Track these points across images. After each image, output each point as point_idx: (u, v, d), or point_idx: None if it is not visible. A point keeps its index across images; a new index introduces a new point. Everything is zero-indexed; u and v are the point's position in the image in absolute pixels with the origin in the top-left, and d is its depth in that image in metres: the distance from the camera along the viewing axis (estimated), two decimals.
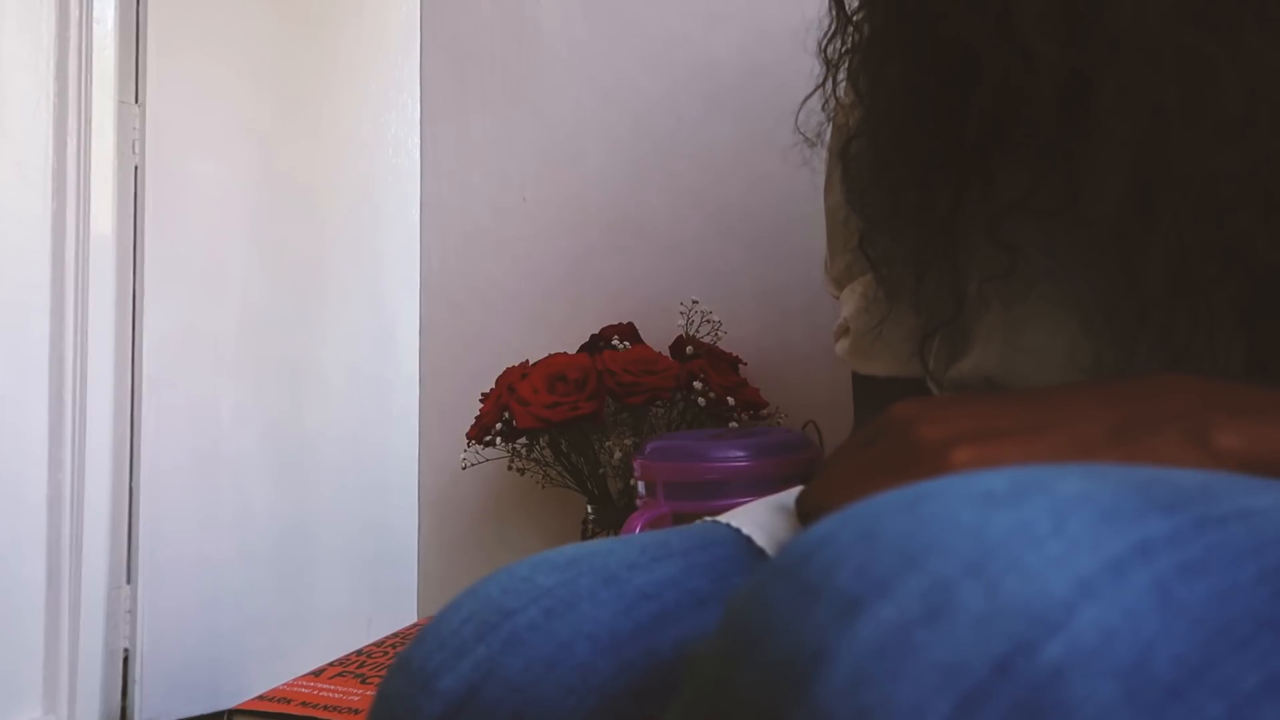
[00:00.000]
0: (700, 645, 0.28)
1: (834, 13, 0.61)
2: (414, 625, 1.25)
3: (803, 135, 0.70)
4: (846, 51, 0.61)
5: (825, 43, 0.63)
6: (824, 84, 0.64)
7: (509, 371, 1.17)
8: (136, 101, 1.19)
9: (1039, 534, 0.25)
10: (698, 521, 0.55)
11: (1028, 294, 0.52)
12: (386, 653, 1.10)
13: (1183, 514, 0.27)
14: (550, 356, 1.15)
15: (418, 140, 1.47)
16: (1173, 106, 0.43)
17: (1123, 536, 0.25)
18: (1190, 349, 0.45)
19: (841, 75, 0.63)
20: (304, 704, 0.97)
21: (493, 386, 1.18)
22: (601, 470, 1.14)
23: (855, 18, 0.60)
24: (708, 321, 1.18)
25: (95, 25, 1.14)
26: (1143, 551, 0.25)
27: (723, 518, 0.54)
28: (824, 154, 0.74)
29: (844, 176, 0.63)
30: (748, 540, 0.51)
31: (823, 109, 0.67)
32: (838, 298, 0.76)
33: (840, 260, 0.73)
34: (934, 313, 0.57)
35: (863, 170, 0.60)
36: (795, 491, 0.53)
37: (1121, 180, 0.46)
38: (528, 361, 1.17)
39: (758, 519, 0.52)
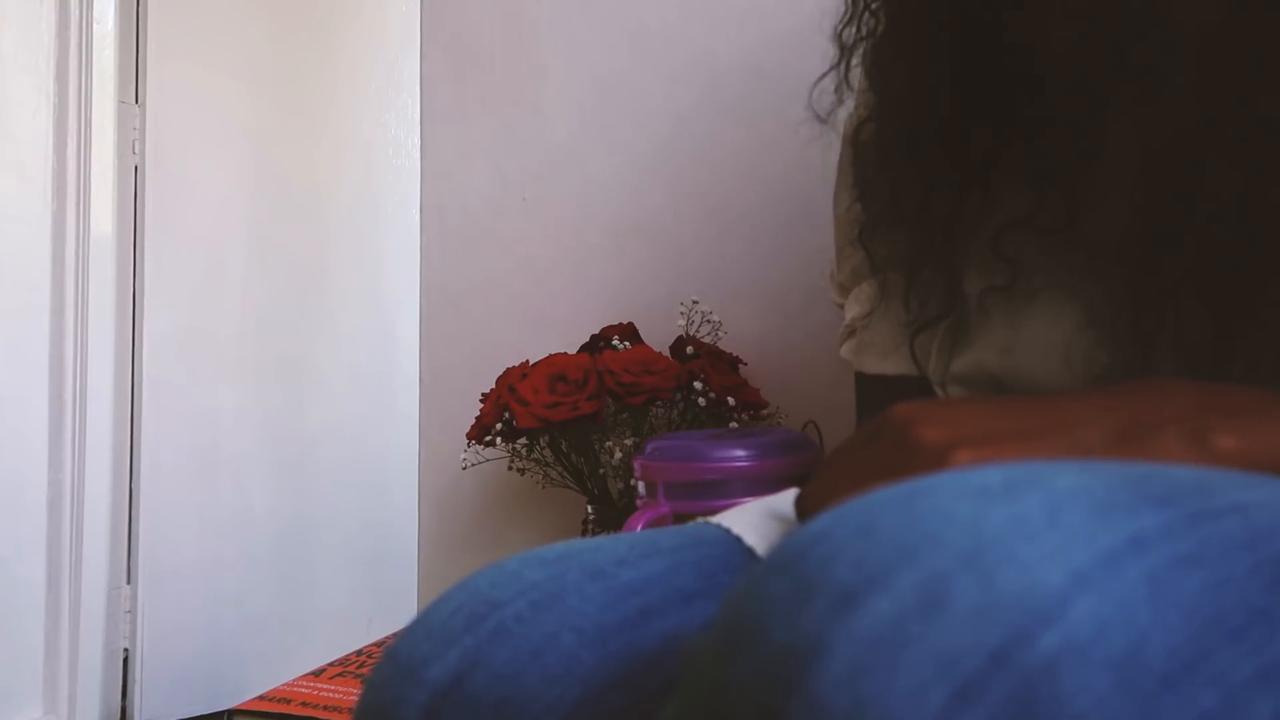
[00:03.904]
0: (698, 638, 0.29)
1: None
2: None
3: (815, 114, 0.70)
4: (861, 38, 0.62)
5: (841, 28, 0.63)
6: (838, 66, 0.64)
7: (509, 371, 1.17)
8: (136, 102, 1.19)
9: (1034, 527, 0.25)
10: (689, 523, 0.55)
11: (1029, 304, 0.53)
12: None
13: (1177, 508, 0.27)
14: (551, 356, 1.15)
15: (418, 140, 1.47)
16: (1190, 129, 0.44)
17: (1117, 530, 0.26)
18: (1199, 346, 0.45)
19: (855, 60, 0.64)
20: (304, 704, 0.97)
21: (493, 386, 1.18)
22: (602, 470, 1.14)
23: (872, 5, 0.61)
24: (708, 321, 1.18)
25: (95, 25, 1.14)
26: (1136, 544, 0.25)
27: (713, 519, 0.54)
28: (834, 158, 0.74)
29: (854, 162, 0.63)
30: (737, 540, 0.51)
31: (835, 91, 0.67)
32: (841, 306, 0.76)
33: (846, 265, 0.74)
34: (925, 310, 0.58)
35: (868, 164, 0.61)
36: (787, 495, 0.53)
37: (1126, 204, 0.46)
38: (528, 361, 1.17)
39: (748, 520, 0.53)
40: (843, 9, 0.63)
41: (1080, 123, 0.50)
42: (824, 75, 0.66)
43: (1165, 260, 0.46)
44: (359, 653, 1.12)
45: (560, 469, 1.17)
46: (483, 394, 1.19)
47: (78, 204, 1.13)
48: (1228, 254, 0.44)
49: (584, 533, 1.16)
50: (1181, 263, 0.46)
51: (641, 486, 0.94)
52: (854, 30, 0.62)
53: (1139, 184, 0.47)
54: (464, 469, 1.22)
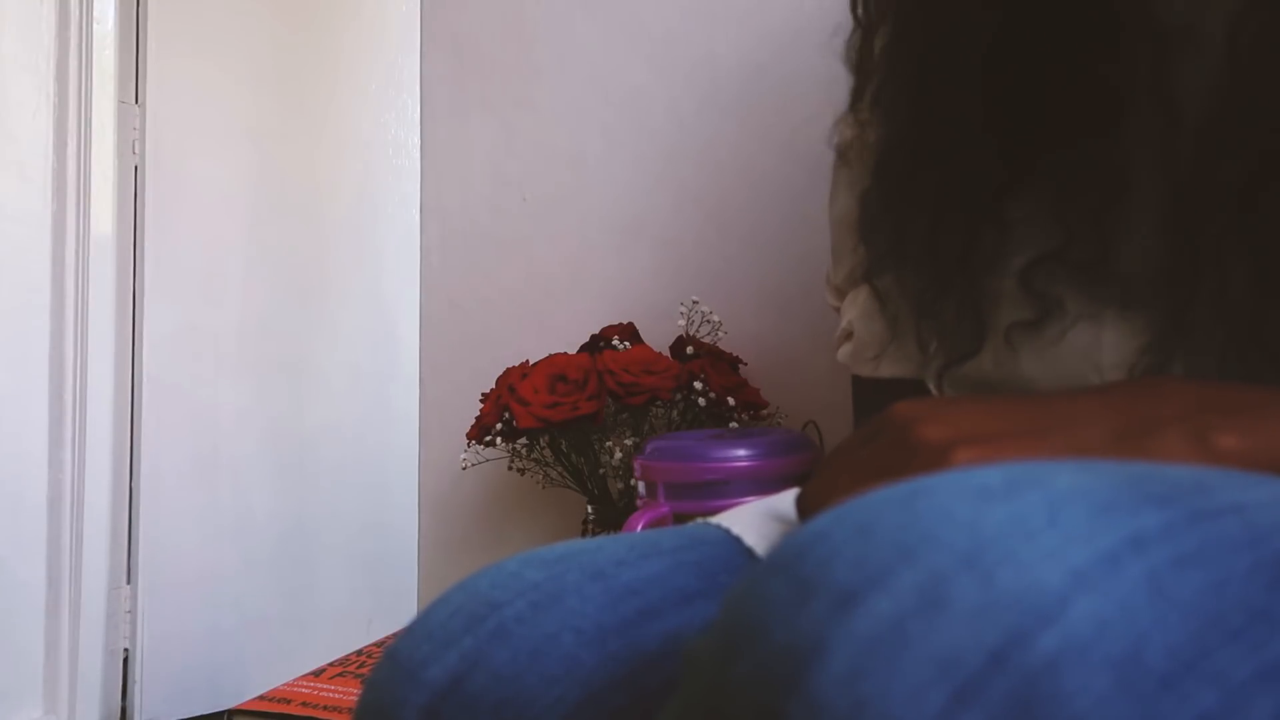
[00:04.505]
0: (698, 638, 0.29)
1: (856, 18, 0.61)
2: None
3: (835, 150, 0.70)
4: (869, 70, 0.61)
5: (851, 52, 0.63)
6: (856, 91, 0.64)
7: (509, 371, 1.17)
8: (136, 101, 1.19)
9: (1033, 527, 0.25)
10: (689, 523, 0.55)
11: (1058, 341, 0.52)
12: None
13: (1176, 507, 0.27)
14: (551, 356, 1.15)
15: (418, 140, 1.47)
16: (1216, 148, 0.44)
17: (1116, 529, 0.26)
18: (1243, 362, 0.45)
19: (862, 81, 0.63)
20: (304, 704, 0.97)
21: (493, 386, 1.18)
22: (602, 470, 1.14)
23: (878, 30, 0.60)
24: (708, 321, 1.18)
25: (95, 25, 1.14)
26: (1136, 544, 0.25)
27: (713, 519, 0.54)
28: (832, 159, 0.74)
29: (860, 203, 0.62)
30: (737, 540, 0.51)
31: (852, 111, 0.66)
32: (838, 309, 0.76)
33: (843, 268, 0.73)
34: (952, 347, 0.56)
35: (873, 202, 0.60)
36: (787, 495, 0.53)
37: (1157, 237, 0.46)
38: (528, 361, 1.17)
39: (748, 520, 0.53)
40: (850, 30, 0.62)
41: (1103, 153, 0.49)
42: (839, 120, 0.65)
43: (1202, 284, 0.45)
44: (359, 653, 1.12)
45: (560, 469, 1.17)
46: (483, 394, 1.19)
47: (78, 204, 1.13)
48: (1269, 270, 0.44)
49: (584, 533, 1.16)
50: (1219, 282, 0.45)
51: (641, 486, 0.94)
52: (861, 54, 0.62)
53: (1168, 208, 0.47)
54: (464, 469, 1.22)
